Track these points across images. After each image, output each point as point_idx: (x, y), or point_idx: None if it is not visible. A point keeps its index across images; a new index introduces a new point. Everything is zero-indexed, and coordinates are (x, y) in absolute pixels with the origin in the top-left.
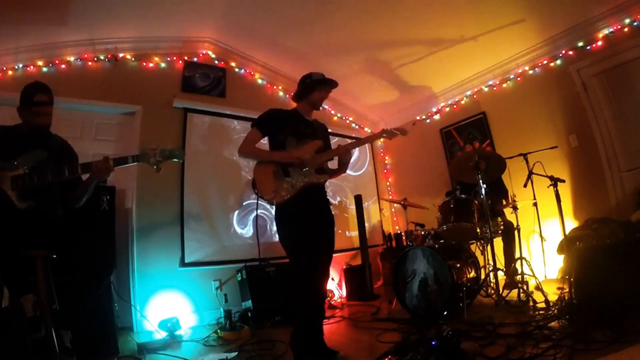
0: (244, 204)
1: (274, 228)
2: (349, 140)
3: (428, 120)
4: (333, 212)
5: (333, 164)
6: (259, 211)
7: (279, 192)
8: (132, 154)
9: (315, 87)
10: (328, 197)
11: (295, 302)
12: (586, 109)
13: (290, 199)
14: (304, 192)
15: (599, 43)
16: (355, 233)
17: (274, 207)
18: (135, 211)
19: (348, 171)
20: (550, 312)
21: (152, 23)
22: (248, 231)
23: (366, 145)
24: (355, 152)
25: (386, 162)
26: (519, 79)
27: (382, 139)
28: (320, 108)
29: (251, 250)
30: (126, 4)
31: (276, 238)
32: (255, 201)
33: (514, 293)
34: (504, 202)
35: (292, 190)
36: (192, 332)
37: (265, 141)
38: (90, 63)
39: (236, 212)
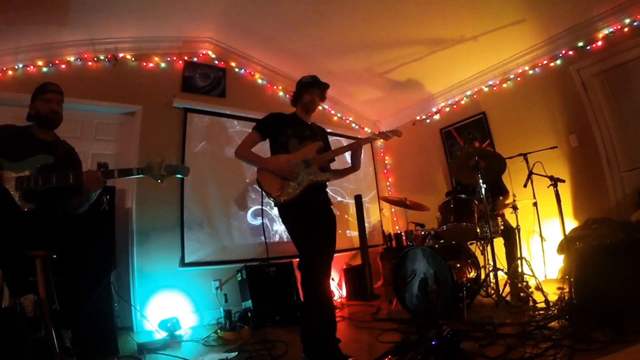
0: (244, 203)
1: (275, 228)
2: (350, 140)
3: (428, 120)
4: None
5: (334, 165)
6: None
7: (285, 189)
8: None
9: (303, 90)
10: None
11: (308, 296)
12: (586, 109)
13: (297, 196)
14: (308, 190)
15: (599, 43)
16: (355, 233)
17: (275, 208)
18: (135, 211)
19: None
20: (550, 312)
21: (152, 23)
22: (248, 231)
23: (366, 145)
24: None
25: (386, 162)
26: (519, 79)
27: (381, 140)
28: (314, 109)
29: (251, 250)
30: (126, 4)
31: (277, 238)
32: (256, 200)
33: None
34: (503, 202)
35: (299, 187)
36: (192, 332)
37: (266, 146)
38: (90, 63)
39: (236, 212)
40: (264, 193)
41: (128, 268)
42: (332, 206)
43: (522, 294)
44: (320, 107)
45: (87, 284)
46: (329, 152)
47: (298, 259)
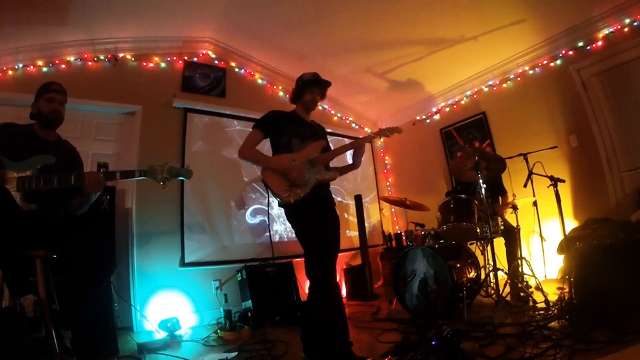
0: (244, 203)
1: (275, 227)
2: (349, 140)
3: (428, 120)
4: None
5: (333, 164)
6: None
7: (293, 190)
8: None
9: (305, 88)
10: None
11: (316, 297)
12: (586, 109)
13: (305, 196)
14: (314, 190)
15: (599, 43)
16: (355, 233)
17: (275, 207)
18: (135, 211)
19: None
20: (550, 312)
21: (152, 23)
22: (248, 231)
23: (366, 145)
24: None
25: (386, 162)
26: (519, 79)
27: (381, 140)
28: (314, 108)
29: (251, 250)
30: (126, 4)
31: (277, 238)
32: (256, 200)
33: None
34: (500, 202)
35: (307, 187)
36: (192, 332)
37: (267, 145)
38: (90, 63)
39: (236, 211)
40: (270, 193)
41: (128, 268)
42: (335, 206)
43: (522, 294)
44: (320, 107)
45: (87, 284)
46: (332, 151)
47: (303, 259)
